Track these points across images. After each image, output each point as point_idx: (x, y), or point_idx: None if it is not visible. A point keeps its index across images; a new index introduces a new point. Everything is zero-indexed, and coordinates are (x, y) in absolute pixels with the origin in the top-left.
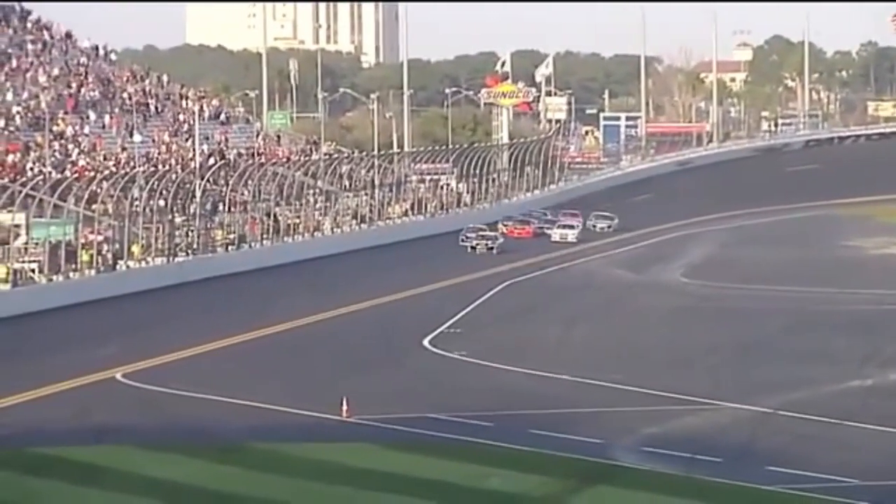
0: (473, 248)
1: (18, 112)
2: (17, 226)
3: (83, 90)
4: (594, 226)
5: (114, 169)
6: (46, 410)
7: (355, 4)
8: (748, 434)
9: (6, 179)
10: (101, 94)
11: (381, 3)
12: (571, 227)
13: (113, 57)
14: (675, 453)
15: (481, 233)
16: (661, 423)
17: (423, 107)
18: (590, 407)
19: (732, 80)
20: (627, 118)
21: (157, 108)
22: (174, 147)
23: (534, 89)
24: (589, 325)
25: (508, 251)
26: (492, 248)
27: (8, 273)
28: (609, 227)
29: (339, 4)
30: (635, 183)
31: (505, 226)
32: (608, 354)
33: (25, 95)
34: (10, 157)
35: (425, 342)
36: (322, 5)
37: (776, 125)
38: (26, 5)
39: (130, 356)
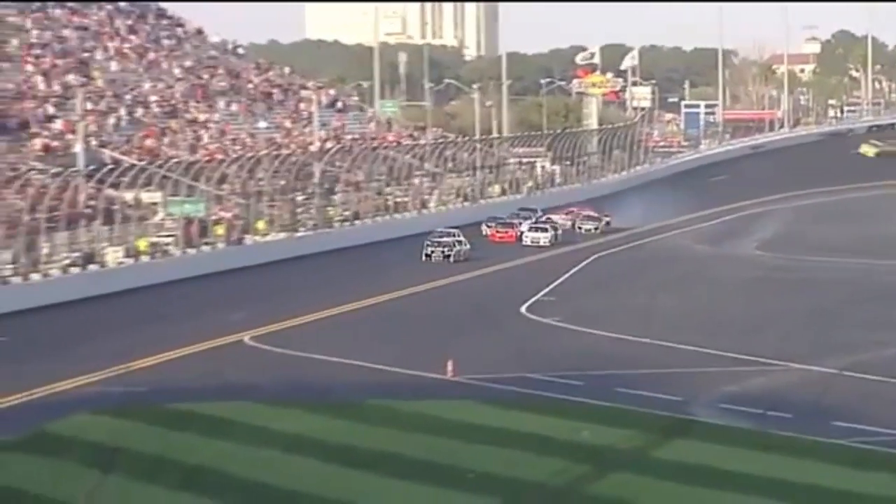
0: (429, 255)
1: (155, 101)
2: (155, 204)
3: (213, 81)
4: (580, 227)
5: (241, 152)
6: (182, 370)
7: (458, 4)
8: (816, 392)
9: (145, 162)
10: (229, 85)
11: (481, 3)
12: (545, 230)
13: (240, 51)
14: (748, 410)
15: (440, 238)
16: (736, 383)
17: (521, 96)
18: (671, 368)
19: (802, 71)
20: (706, 106)
21: (280, 97)
22: (295, 132)
23: (621, 80)
24: (671, 294)
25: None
26: (448, 257)
27: (147, 246)
28: (596, 228)
29: (444, 4)
30: (712, 165)
31: (488, 227)
32: (688, 320)
33: (161, 86)
34: (148, 142)
35: (522, 309)
36: (428, 4)
37: (842, 112)
38: (162, 4)
39: (257, 321)
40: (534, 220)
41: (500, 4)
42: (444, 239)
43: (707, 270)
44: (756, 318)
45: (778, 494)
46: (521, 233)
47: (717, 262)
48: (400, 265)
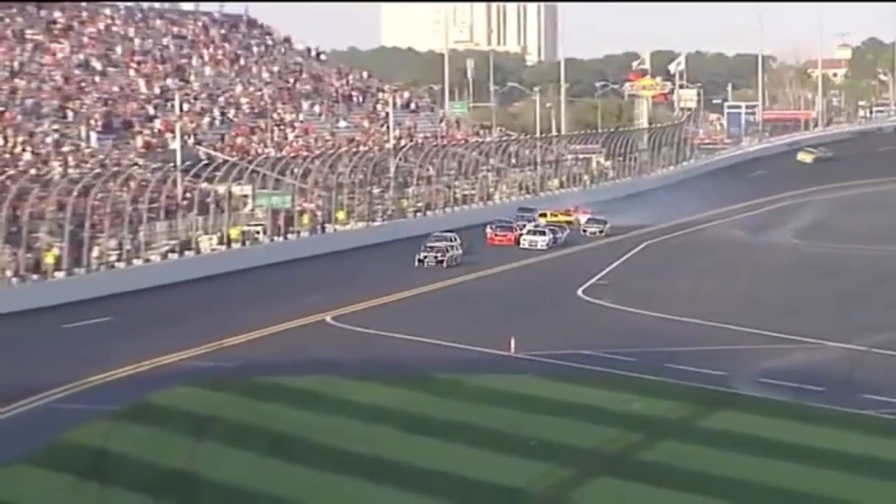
0: (421, 261)
1: (246, 103)
2: (245, 196)
3: (298, 84)
4: (585, 230)
5: (323, 149)
6: (270, 347)
7: (522, 12)
8: (848, 368)
9: (236, 158)
10: (312, 88)
11: (542, 11)
12: (542, 233)
13: (322, 57)
14: (785, 384)
15: (435, 242)
16: (774, 359)
17: (577, 98)
18: (715, 345)
19: (834, 75)
20: (747, 107)
21: (358, 99)
22: (372, 131)
23: (669, 83)
24: (714, 279)
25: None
26: (441, 262)
27: (238, 234)
28: (601, 231)
29: (509, 12)
30: (752, 160)
31: (492, 229)
32: (730, 302)
33: (251, 89)
34: (239, 140)
35: (579, 292)
36: (494, 13)
37: (871, 112)
38: (252, 14)
39: (337, 303)
40: (534, 220)
41: (560, 14)
42: (438, 244)
43: (747, 257)
44: (792, 301)
45: (813, 461)
46: (520, 235)
47: (757, 250)
48: (466, 251)
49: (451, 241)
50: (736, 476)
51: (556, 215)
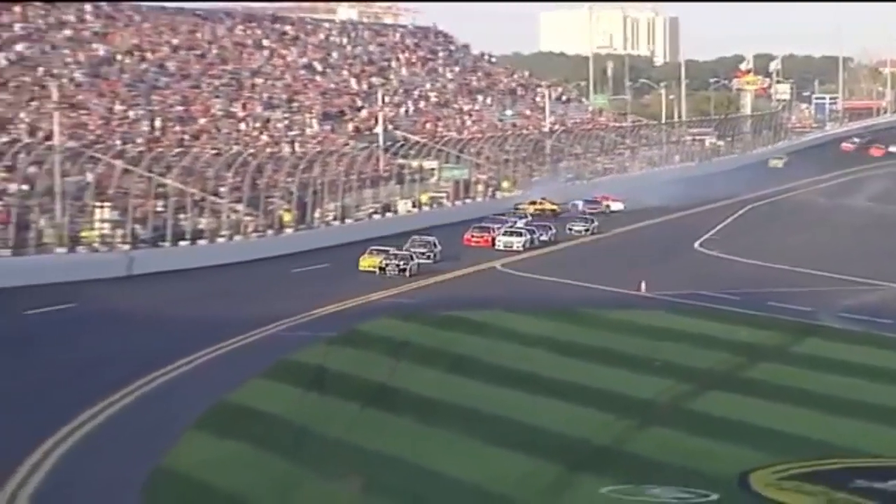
0: (382, 268)
1: (434, 96)
2: (433, 169)
3: (474, 81)
4: (570, 228)
5: (493, 133)
6: (454, 288)
7: (651, 23)
8: None
9: (425, 139)
10: (485, 84)
11: (667, 23)
12: (519, 234)
13: (493, 59)
14: (861, 317)
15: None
16: (851, 298)
17: (695, 91)
18: (804, 287)
19: None
20: (830, 98)
21: (521, 93)
22: (532, 118)
23: (767, 79)
24: (802, 234)
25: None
26: (403, 270)
27: (427, 199)
28: (587, 230)
29: (641, 23)
30: (836, 140)
31: (470, 231)
32: (816, 253)
33: (438, 85)
34: (428, 126)
35: (696, 245)
36: (629, 24)
37: None
38: (439, 26)
39: (504, 253)
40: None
41: (681, 24)
42: (398, 253)
43: (829, 217)
44: (864, 251)
45: (886, 379)
46: (494, 237)
47: (837, 211)
48: (604, 213)
49: (420, 247)
50: (822, 391)
51: (542, 203)
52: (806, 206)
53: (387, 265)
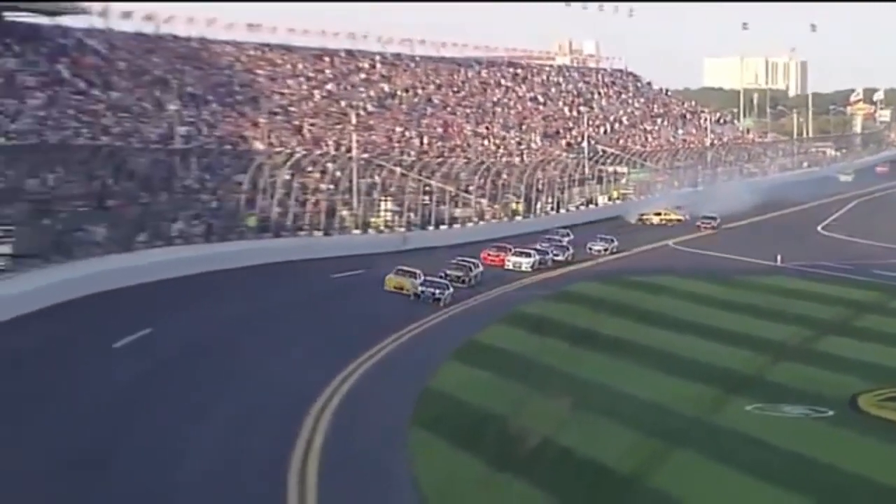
0: (417, 295)
1: (623, 118)
2: (623, 173)
3: (654, 109)
4: (590, 248)
5: (667, 148)
6: (637, 261)
7: (785, 65)
8: None
9: (618, 151)
10: (662, 111)
11: (798, 64)
12: (528, 254)
13: (668, 92)
14: None
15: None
16: None
17: (819, 114)
18: None
19: None
20: None
21: (689, 117)
22: (697, 136)
23: (873, 106)
24: None
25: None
26: (438, 300)
27: (619, 195)
28: (606, 249)
29: (780, 65)
30: None
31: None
32: None
33: (629, 111)
34: (621, 141)
35: (818, 228)
36: (771, 65)
37: None
38: (630, 68)
39: (679, 234)
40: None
41: (809, 65)
42: (434, 280)
43: None
44: None
45: None
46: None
47: None
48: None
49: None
50: None
51: (668, 213)
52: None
53: (422, 292)
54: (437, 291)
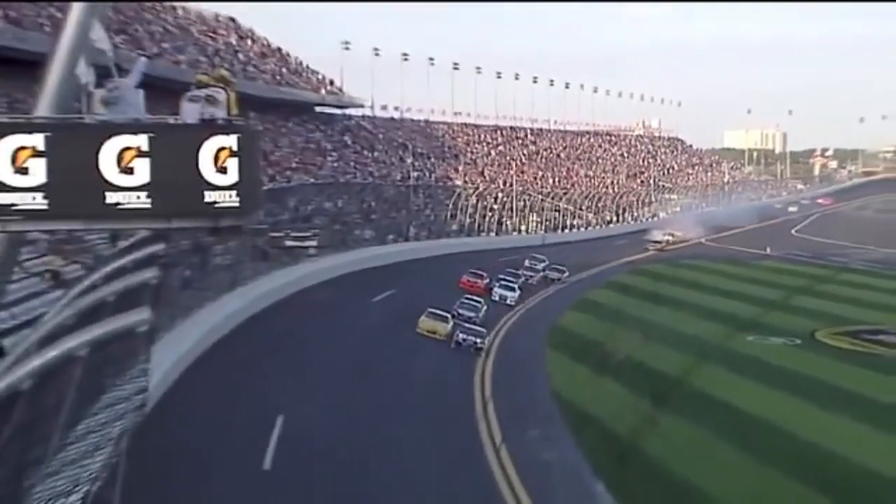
0: (459, 343)
1: (662, 172)
2: (674, 199)
3: (689, 162)
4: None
5: (699, 184)
6: (682, 251)
7: (774, 136)
8: None
9: (670, 185)
10: (695, 161)
11: (781, 136)
12: (512, 287)
13: (702, 151)
14: None
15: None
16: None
17: (794, 163)
18: (845, 250)
19: None
20: None
21: (714, 166)
22: (718, 177)
23: (826, 159)
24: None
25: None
26: (480, 349)
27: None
28: (559, 279)
29: (769, 133)
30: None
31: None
32: (855, 237)
33: (669, 164)
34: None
35: (793, 231)
36: (763, 135)
37: None
38: (678, 133)
39: (713, 231)
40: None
41: (788, 137)
42: (473, 328)
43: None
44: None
45: None
46: (489, 286)
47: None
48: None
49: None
50: (868, 297)
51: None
52: (845, 216)
53: (464, 340)
54: (480, 341)
